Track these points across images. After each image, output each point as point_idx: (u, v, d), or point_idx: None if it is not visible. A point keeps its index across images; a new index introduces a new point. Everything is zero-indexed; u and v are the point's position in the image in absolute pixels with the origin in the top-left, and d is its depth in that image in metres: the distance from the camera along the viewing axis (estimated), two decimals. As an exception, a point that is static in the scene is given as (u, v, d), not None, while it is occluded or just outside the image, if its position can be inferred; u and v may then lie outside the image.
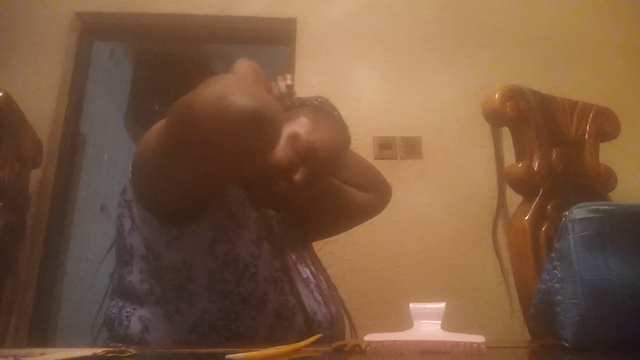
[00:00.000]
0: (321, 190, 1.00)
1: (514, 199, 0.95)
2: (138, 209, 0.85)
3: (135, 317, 0.81)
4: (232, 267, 0.81)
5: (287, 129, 0.92)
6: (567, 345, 0.56)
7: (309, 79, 2.15)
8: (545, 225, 0.88)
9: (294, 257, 0.93)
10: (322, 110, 0.97)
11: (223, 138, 0.68)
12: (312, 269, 0.96)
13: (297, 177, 0.90)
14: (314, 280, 0.93)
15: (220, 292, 0.79)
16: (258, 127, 0.68)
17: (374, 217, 1.20)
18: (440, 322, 0.56)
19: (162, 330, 0.79)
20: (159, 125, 0.80)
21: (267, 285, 0.82)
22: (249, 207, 0.90)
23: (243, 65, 0.92)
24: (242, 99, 0.67)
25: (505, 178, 0.94)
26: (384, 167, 1.22)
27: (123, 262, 0.86)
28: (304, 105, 0.97)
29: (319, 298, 0.90)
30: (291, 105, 0.97)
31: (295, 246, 0.98)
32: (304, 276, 0.91)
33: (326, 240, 1.26)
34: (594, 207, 0.57)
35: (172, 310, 0.79)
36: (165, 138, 0.75)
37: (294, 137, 0.91)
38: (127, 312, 0.82)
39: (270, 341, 0.79)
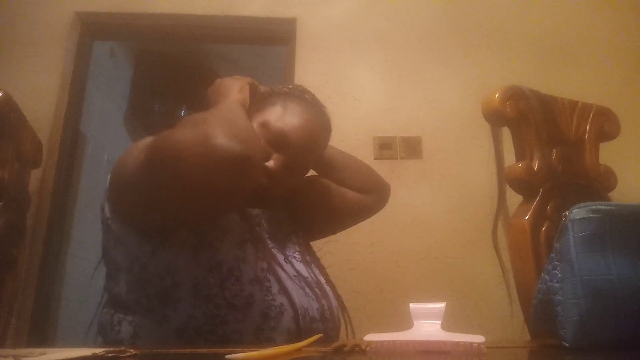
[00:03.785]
0: (305, 178, 0.98)
1: (514, 199, 0.95)
2: (118, 225, 0.85)
3: (126, 322, 0.81)
4: (216, 271, 0.80)
5: (257, 120, 0.91)
6: (567, 345, 0.56)
7: (309, 79, 2.15)
8: (545, 225, 0.88)
9: (283, 255, 0.92)
10: (292, 96, 0.96)
11: (207, 179, 0.68)
12: (305, 264, 0.95)
13: (272, 164, 0.89)
14: (305, 276, 0.92)
15: (204, 297, 0.79)
16: (243, 169, 0.68)
17: (374, 217, 1.20)
18: (440, 322, 0.56)
19: (151, 335, 0.79)
20: (137, 153, 0.79)
21: (252, 287, 0.82)
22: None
23: (223, 86, 0.91)
24: (229, 142, 0.67)
25: (505, 178, 0.93)
26: (384, 167, 1.23)
27: (110, 275, 0.86)
28: (273, 94, 0.96)
29: (311, 294, 0.89)
30: (261, 96, 0.97)
31: (286, 243, 0.96)
32: (294, 273, 0.90)
33: (326, 240, 1.26)
34: (594, 207, 0.57)
35: (159, 317, 0.79)
36: (146, 173, 0.75)
37: (263, 126, 0.90)
38: (118, 317, 0.82)
39: (257, 342, 0.78)
